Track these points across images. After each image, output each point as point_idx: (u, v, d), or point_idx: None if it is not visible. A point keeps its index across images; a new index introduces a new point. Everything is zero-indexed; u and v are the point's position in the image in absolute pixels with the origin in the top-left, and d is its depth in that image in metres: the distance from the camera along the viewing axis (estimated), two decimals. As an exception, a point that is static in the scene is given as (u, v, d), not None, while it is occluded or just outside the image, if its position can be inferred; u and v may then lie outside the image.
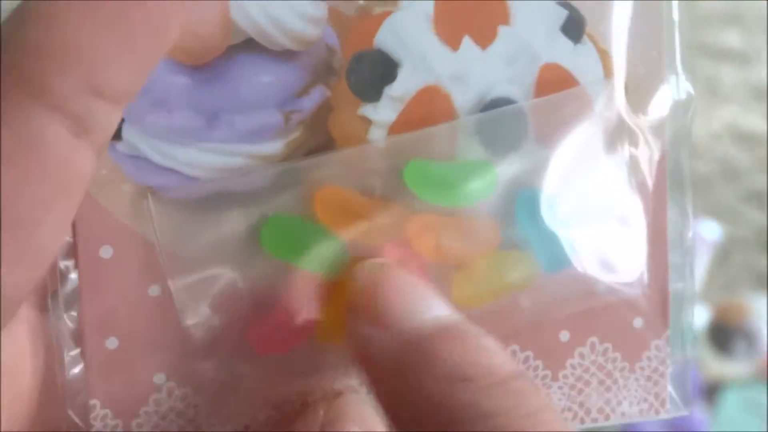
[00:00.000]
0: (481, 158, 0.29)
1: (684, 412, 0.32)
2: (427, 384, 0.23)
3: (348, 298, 0.26)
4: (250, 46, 0.27)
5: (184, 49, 0.27)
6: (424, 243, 0.28)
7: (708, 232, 0.90)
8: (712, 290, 0.88)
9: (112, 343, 0.28)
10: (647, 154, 0.30)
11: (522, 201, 0.29)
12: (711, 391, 0.85)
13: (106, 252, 0.28)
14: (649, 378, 0.32)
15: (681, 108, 0.31)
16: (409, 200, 0.28)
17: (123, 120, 0.27)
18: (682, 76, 0.31)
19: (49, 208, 0.23)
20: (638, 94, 0.30)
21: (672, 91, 0.31)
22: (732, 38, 0.99)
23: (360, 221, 0.28)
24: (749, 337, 0.88)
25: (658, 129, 0.31)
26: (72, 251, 0.28)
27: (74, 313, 0.28)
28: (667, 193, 0.31)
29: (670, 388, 0.32)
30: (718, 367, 0.85)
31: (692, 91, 0.31)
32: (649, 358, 0.32)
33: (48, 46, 0.22)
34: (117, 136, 0.27)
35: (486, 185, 0.28)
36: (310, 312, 0.28)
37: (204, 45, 0.27)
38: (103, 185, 0.28)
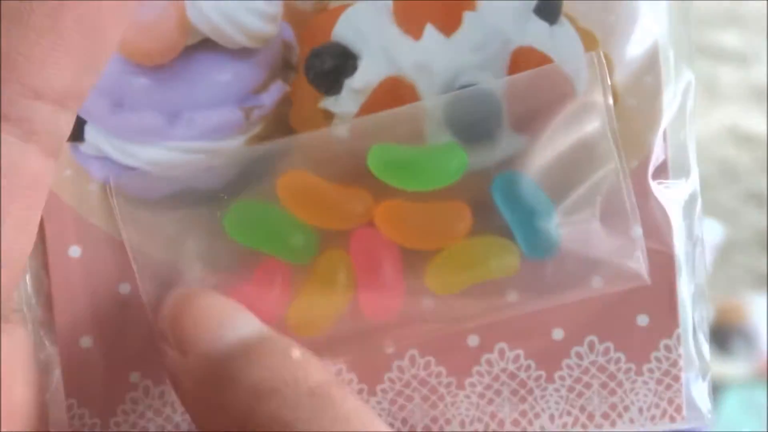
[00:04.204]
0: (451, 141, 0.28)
1: (705, 423, 0.29)
2: (231, 401, 0.24)
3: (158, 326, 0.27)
4: (207, 45, 0.28)
5: (142, 50, 0.28)
6: (392, 229, 0.28)
7: (709, 232, 0.89)
8: (712, 291, 0.87)
9: (85, 342, 0.29)
10: (641, 137, 0.29)
11: (498, 184, 0.28)
12: (711, 392, 0.84)
13: (74, 252, 0.28)
14: (660, 381, 0.29)
15: (680, 89, 0.29)
16: (375, 185, 0.28)
17: (85, 121, 0.28)
18: (680, 54, 0.29)
19: (5, 212, 0.24)
20: (628, 75, 0.29)
21: (668, 71, 0.29)
22: (731, 38, 0.98)
23: (326, 207, 0.28)
24: (749, 338, 0.86)
25: (652, 111, 0.29)
26: (40, 252, 0.29)
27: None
28: (669, 175, 0.29)
29: (689, 394, 0.29)
30: (718, 367, 0.84)
31: (692, 77, 0.29)
32: (658, 360, 0.29)
33: None
34: (80, 137, 0.28)
35: (455, 168, 0.28)
36: (278, 299, 0.28)
37: (161, 46, 0.28)
38: (68, 186, 0.28)
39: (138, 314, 0.28)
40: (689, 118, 0.29)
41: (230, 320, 0.26)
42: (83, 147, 0.28)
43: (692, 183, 0.29)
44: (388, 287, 0.28)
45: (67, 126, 0.25)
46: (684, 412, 0.29)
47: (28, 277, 0.29)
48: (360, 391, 0.29)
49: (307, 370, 0.24)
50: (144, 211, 0.28)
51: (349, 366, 0.29)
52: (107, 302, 0.29)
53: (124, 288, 0.29)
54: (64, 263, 0.28)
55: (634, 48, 0.29)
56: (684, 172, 0.29)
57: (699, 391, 0.30)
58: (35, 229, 0.25)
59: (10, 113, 0.23)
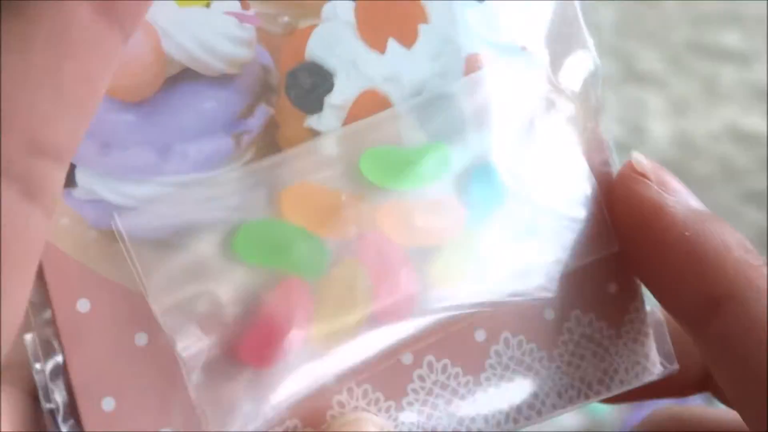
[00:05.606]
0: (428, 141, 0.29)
1: (674, 368, 0.32)
2: None
3: None
4: (187, 75, 0.28)
5: (123, 87, 0.27)
6: (397, 230, 0.29)
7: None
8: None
9: (108, 404, 0.26)
10: (579, 121, 0.31)
11: (478, 176, 0.29)
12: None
13: (83, 306, 0.27)
14: (635, 340, 0.32)
15: (593, 80, 0.32)
16: (370, 190, 0.28)
17: (75, 166, 0.27)
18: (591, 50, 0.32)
19: (5, 285, 0.21)
20: (557, 68, 0.31)
21: (584, 64, 0.32)
22: (731, 38, 0.99)
23: (330, 216, 0.28)
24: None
25: (583, 98, 0.31)
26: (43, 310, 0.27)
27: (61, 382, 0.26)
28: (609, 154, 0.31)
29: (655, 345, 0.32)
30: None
31: (599, 63, 0.32)
32: (631, 321, 0.32)
33: None
34: (72, 182, 0.27)
35: (439, 164, 0.29)
36: (300, 316, 0.27)
37: (141, 80, 0.27)
38: (67, 235, 0.26)
39: (160, 364, 0.27)
40: None
41: None
42: (76, 192, 0.27)
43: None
44: (402, 289, 0.28)
45: (61, 185, 0.23)
46: (657, 361, 0.32)
47: (30, 339, 0.26)
48: (388, 409, 0.29)
49: None
50: (152, 246, 0.27)
51: (373, 385, 0.29)
52: (125, 356, 0.27)
53: (141, 339, 0.27)
54: (73, 319, 0.26)
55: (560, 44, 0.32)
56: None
57: (661, 339, 0.32)
58: (26, 299, 0.22)
59: (14, 172, 0.21)
